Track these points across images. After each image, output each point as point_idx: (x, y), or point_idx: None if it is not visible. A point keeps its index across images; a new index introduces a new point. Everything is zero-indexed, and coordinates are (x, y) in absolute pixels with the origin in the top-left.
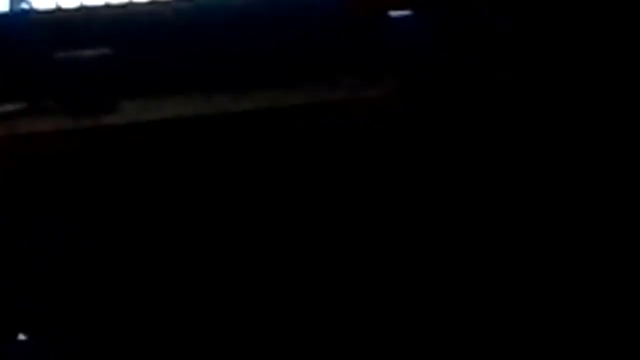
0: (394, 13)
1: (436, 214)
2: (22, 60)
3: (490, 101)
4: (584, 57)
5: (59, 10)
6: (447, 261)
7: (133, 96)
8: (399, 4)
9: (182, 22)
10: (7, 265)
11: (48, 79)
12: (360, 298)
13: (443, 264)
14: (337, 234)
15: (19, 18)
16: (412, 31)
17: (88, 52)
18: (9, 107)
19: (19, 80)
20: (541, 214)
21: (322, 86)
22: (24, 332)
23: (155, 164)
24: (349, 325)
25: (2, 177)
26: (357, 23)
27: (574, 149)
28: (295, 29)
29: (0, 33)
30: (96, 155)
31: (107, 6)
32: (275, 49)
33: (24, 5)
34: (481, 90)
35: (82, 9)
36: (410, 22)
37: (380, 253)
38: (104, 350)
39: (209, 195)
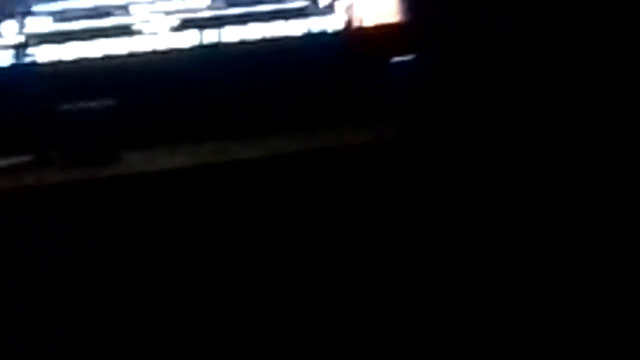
0: (397, 59)
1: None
2: (27, 113)
3: (489, 140)
4: (585, 58)
5: (60, 62)
6: (447, 263)
7: (136, 147)
8: (403, 49)
9: (183, 71)
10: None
11: (52, 131)
12: (361, 301)
13: (443, 265)
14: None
15: (23, 71)
16: (414, 76)
17: (91, 104)
18: (15, 160)
19: (24, 133)
20: (542, 217)
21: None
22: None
23: (160, 214)
24: (349, 326)
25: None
26: (362, 67)
27: (575, 153)
28: (301, 74)
29: (5, 86)
30: (100, 206)
31: (108, 57)
32: (279, 95)
33: (28, 59)
34: (482, 131)
35: (84, 60)
36: (412, 67)
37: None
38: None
39: (214, 246)
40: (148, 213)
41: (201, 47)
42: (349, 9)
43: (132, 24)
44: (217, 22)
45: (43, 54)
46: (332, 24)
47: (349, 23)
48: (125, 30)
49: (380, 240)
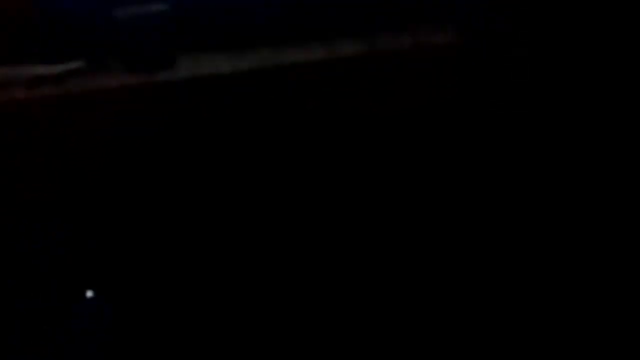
0: None
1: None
2: (80, 19)
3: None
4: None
5: None
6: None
7: (190, 51)
8: None
9: None
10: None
11: (107, 36)
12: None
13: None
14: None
15: None
16: None
17: (145, 8)
18: (69, 66)
19: (79, 39)
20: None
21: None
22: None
23: (214, 118)
24: (348, 324)
25: (72, 130)
26: None
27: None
28: None
29: None
30: (156, 111)
31: None
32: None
33: None
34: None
35: None
36: None
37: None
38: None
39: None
40: (201, 116)
41: None
42: None
43: None
44: None
45: None
46: None
47: None
48: None
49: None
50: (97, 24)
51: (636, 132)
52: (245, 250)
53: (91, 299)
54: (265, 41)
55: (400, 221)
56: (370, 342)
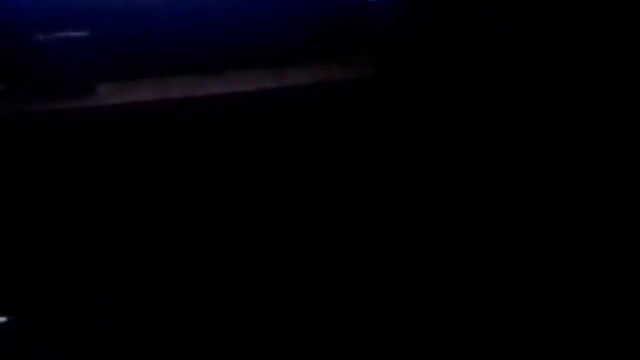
0: None
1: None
2: (1, 42)
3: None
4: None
5: None
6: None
7: (110, 79)
8: None
9: (158, 6)
10: None
11: (27, 61)
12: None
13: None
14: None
15: None
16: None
17: (68, 35)
18: None
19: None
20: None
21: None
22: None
23: (131, 145)
24: (348, 323)
25: None
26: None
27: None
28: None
29: None
30: (74, 136)
31: None
32: (256, 30)
33: None
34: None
35: None
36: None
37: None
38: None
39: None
40: (120, 144)
41: None
42: None
43: None
44: None
45: None
46: None
47: None
48: None
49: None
50: (18, 48)
51: (636, 132)
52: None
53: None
54: (184, 70)
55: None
56: (371, 342)
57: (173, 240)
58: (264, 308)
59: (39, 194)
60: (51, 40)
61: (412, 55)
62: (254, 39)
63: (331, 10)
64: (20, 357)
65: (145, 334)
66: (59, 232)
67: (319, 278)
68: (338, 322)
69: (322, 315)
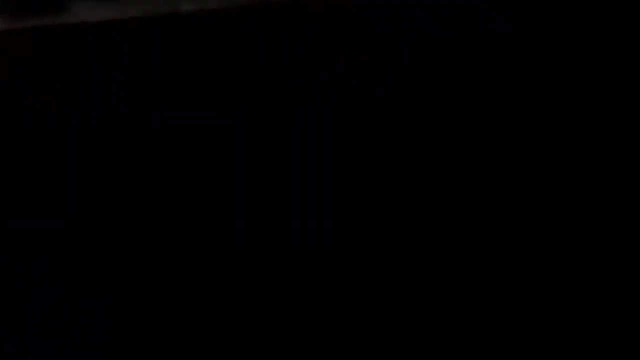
0: None
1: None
2: None
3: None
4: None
5: None
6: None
7: None
8: None
9: None
10: None
11: None
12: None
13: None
14: None
15: None
16: None
17: None
18: None
19: None
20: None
21: None
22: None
23: (106, 67)
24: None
25: None
26: None
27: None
28: None
29: None
30: (43, 57)
31: None
32: None
33: None
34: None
35: None
36: None
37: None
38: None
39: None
40: (93, 63)
41: None
42: None
43: None
44: None
45: None
46: None
47: None
48: None
49: None
50: None
51: (636, 133)
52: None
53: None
54: None
55: None
56: (370, 342)
57: (168, 237)
58: (264, 308)
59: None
60: None
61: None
62: None
63: None
64: (20, 356)
65: (145, 334)
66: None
67: (318, 278)
68: (338, 322)
69: (322, 315)
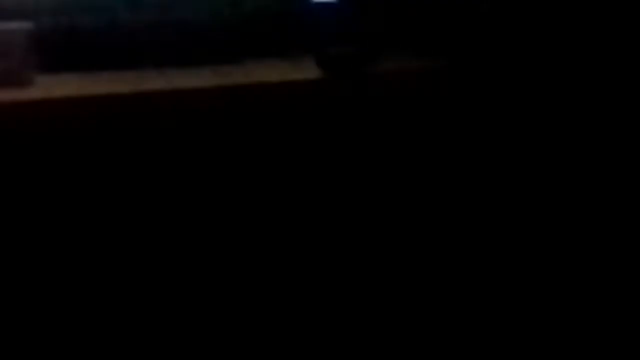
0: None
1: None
2: None
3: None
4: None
5: None
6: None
7: (50, 71)
8: None
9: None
10: None
11: None
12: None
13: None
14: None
15: None
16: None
17: (8, 25)
18: None
19: None
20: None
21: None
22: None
23: (71, 139)
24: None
25: None
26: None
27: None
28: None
29: None
30: (13, 129)
31: None
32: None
33: None
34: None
35: None
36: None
37: None
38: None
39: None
40: (59, 137)
41: None
42: None
43: None
44: None
45: None
46: None
47: None
48: None
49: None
50: None
51: (636, 133)
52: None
53: None
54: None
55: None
56: (370, 343)
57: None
58: (264, 308)
59: None
60: None
61: (359, 57)
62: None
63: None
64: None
65: (144, 334)
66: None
67: (318, 278)
68: (338, 322)
69: (322, 315)
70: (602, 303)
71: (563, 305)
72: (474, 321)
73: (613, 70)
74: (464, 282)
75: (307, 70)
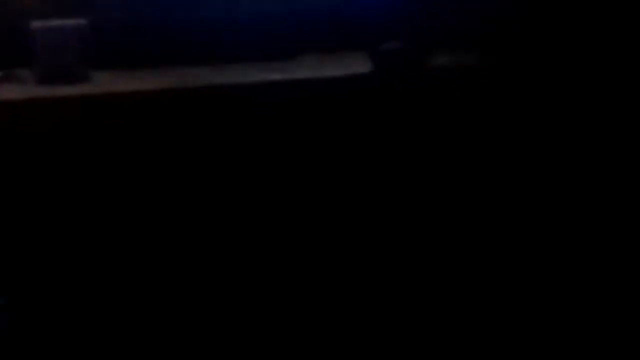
0: None
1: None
2: None
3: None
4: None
5: None
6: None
7: (105, 67)
8: None
9: None
10: None
11: (23, 48)
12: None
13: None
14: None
15: None
16: None
17: (63, 22)
18: None
19: None
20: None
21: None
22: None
23: (126, 135)
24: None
25: None
26: None
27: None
28: None
29: None
30: (69, 125)
31: None
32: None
33: None
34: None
35: None
36: None
37: None
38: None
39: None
40: (115, 133)
41: None
42: None
43: None
44: None
45: None
46: None
47: None
48: None
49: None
50: (15, 35)
51: (635, 133)
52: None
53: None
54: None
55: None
56: (370, 342)
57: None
58: (264, 308)
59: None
60: (49, 28)
61: (412, 52)
62: (257, 32)
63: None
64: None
65: (144, 334)
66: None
67: (318, 278)
68: (338, 322)
69: (322, 315)
70: (602, 303)
71: (563, 305)
72: (474, 321)
73: None
74: (472, 282)
75: (360, 65)
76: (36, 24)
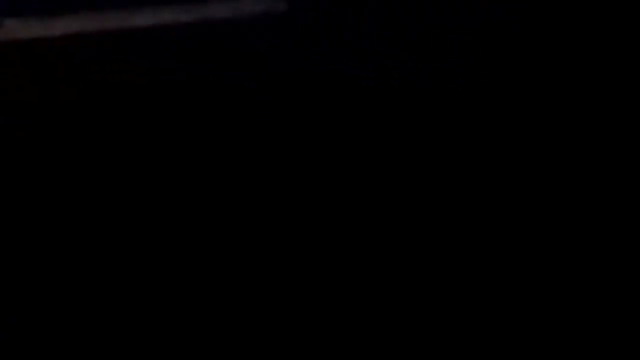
0: None
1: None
2: None
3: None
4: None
5: None
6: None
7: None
8: None
9: None
10: None
11: None
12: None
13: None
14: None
15: None
16: None
17: None
18: None
19: None
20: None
21: None
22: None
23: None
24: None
25: None
26: None
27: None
28: None
29: None
30: None
31: None
32: None
33: None
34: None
35: None
36: None
37: None
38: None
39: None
40: (20, 81)
41: None
42: None
43: None
44: None
45: None
46: None
47: None
48: None
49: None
50: None
51: (635, 133)
52: None
53: None
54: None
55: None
56: (370, 342)
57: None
58: (264, 308)
59: None
60: None
61: None
62: None
63: None
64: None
65: (144, 334)
66: None
67: (318, 278)
68: (338, 323)
69: (322, 316)
70: (602, 303)
71: (563, 305)
72: (474, 321)
73: None
74: (472, 282)
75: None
76: None
